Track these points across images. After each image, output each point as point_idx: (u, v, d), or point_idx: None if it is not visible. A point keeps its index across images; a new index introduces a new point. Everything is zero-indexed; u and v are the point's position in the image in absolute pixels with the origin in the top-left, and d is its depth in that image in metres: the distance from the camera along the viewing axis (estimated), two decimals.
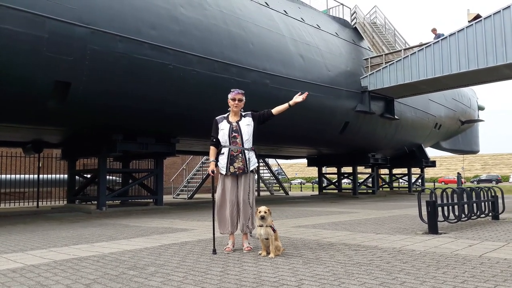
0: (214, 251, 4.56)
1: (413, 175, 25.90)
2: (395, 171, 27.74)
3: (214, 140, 4.88)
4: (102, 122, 11.06)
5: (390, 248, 4.70)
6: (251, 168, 4.77)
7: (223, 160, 4.77)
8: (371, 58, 18.26)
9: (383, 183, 27.28)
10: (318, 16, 18.57)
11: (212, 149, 4.90)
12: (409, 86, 16.42)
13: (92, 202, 13.72)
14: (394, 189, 27.08)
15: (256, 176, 5.01)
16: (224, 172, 4.75)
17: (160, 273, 3.64)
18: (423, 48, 15.36)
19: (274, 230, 4.34)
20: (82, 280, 3.45)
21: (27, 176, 16.63)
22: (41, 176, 16.22)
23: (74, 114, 10.15)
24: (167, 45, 10.77)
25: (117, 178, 18.11)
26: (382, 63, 17.38)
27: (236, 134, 4.77)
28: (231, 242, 4.77)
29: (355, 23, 20.47)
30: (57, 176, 17.65)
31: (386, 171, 28.82)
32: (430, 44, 15.14)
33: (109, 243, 5.60)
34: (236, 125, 4.81)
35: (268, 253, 4.31)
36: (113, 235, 6.56)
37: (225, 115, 4.96)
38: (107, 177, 16.05)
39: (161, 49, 10.63)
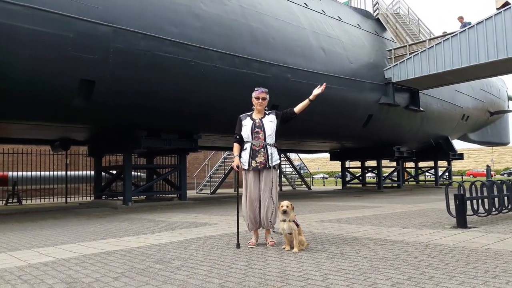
0: (238, 245, 4.59)
1: (440, 168, 25.34)
2: (421, 164, 27.20)
3: (238, 137, 4.90)
4: (126, 119, 11.24)
5: (417, 242, 4.61)
6: (273, 164, 4.77)
7: (245, 155, 4.80)
8: (394, 49, 17.90)
9: (409, 177, 26.80)
10: (340, 8, 18.30)
11: (236, 146, 4.92)
12: (435, 77, 16.01)
13: (118, 197, 14.00)
14: (420, 182, 26.56)
15: (278, 172, 5.00)
16: (246, 167, 4.77)
17: (186, 267, 3.68)
18: (448, 38, 14.93)
19: (297, 225, 4.33)
20: (110, 273, 3.52)
21: (55, 173, 17.10)
22: (69, 172, 16.65)
23: (98, 111, 10.35)
24: (188, 42, 10.83)
25: (142, 174, 18.41)
26: (406, 54, 17.01)
27: (259, 129, 4.80)
28: (255, 236, 4.79)
29: (378, 14, 20.08)
30: (84, 172, 18.09)
31: (411, 164, 28.28)
32: (456, 33, 14.70)
33: (135, 238, 5.71)
34: (259, 122, 4.84)
35: (291, 248, 4.30)
36: (139, 229, 6.68)
37: (249, 113, 5.00)
38: (132, 173, 16.35)
39: (182, 46, 10.70)
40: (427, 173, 26.78)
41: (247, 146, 4.81)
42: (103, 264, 3.91)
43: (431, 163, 25.33)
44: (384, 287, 2.82)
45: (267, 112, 4.96)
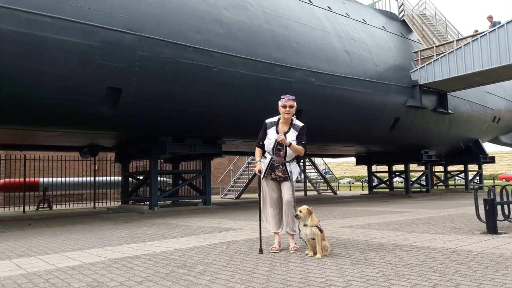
0: (261, 251, 4.58)
1: (470, 172, 24.58)
2: (450, 168, 26.45)
3: (260, 143, 4.85)
4: (151, 125, 11.43)
5: (444, 248, 4.48)
6: (293, 178, 4.74)
7: (264, 164, 4.78)
8: (421, 51, 17.54)
9: (438, 181, 26.12)
10: (364, 10, 18.12)
11: (258, 150, 4.90)
12: (463, 79, 15.60)
13: (145, 202, 14.23)
14: (449, 187, 25.85)
15: (295, 182, 4.93)
16: (262, 176, 4.76)
17: (208, 272, 3.70)
18: (477, 38, 14.53)
19: (320, 230, 4.28)
20: (134, 278, 3.58)
21: (84, 178, 17.56)
22: (97, 178, 17.06)
23: (125, 118, 10.58)
24: (212, 48, 10.95)
25: (168, 179, 18.67)
26: (433, 55, 16.64)
27: (280, 147, 4.69)
28: (277, 241, 4.77)
29: (403, 15, 19.76)
30: (112, 178, 18.50)
31: (440, 168, 27.57)
32: (486, 33, 14.30)
33: (160, 242, 5.78)
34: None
35: (315, 253, 4.25)
36: (164, 234, 6.76)
37: (276, 119, 4.82)
38: (159, 178, 16.61)
39: (205, 53, 10.83)
40: (457, 177, 26.04)
41: (268, 157, 4.78)
42: (128, 269, 3.98)
43: (461, 167, 24.60)
44: None
45: (293, 123, 4.78)
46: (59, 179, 17.24)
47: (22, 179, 15.99)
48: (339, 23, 15.38)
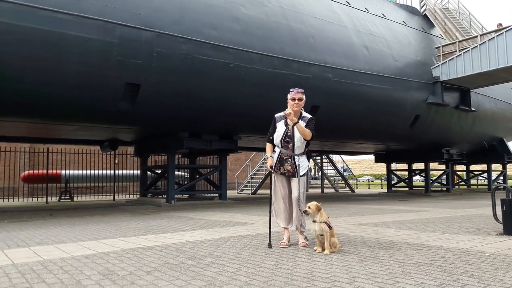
0: (270, 245, 4.60)
1: (494, 172, 23.97)
2: (473, 167, 25.85)
3: (271, 138, 4.89)
4: (169, 120, 11.58)
5: (456, 248, 4.41)
6: (301, 174, 4.72)
7: (274, 158, 4.80)
8: (443, 46, 17.15)
9: (459, 181, 25.57)
10: (384, 5, 17.84)
11: (268, 146, 4.93)
12: (487, 75, 15.17)
13: (163, 196, 14.44)
14: (471, 187, 25.30)
15: (305, 179, 4.91)
16: (271, 170, 4.78)
17: (216, 264, 3.75)
18: (502, 33, 14.10)
19: (330, 227, 4.27)
20: (144, 267, 3.66)
21: (105, 171, 17.94)
22: (117, 171, 17.39)
23: (143, 114, 10.74)
24: (228, 45, 10.99)
25: (186, 174, 18.90)
26: (456, 51, 16.25)
27: (289, 139, 4.72)
28: (286, 236, 4.79)
29: (425, 9, 19.37)
30: (132, 171, 18.83)
31: (463, 167, 26.99)
32: (511, 27, 13.87)
33: (173, 234, 5.88)
34: (291, 131, 4.71)
35: (323, 250, 4.25)
36: (178, 226, 6.86)
37: (285, 113, 4.86)
38: (176, 172, 16.83)
39: (222, 49, 10.88)
40: (480, 177, 25.44)
41: (276, 150, 4.82)
42: (139, 259, 4.06)
43: (484, 166, 24.03)
44: None
45: (302, 115, 4.82)
46: (80, 171, 17.68)
47: (45, 171, 16.45)
48: (357, 18, 15.20)
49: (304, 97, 4.80)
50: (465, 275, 3.19)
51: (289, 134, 4.72)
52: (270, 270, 3.49)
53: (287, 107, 4.83)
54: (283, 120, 4.81)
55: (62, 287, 3.01)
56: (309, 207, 4.34)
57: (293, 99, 4.73)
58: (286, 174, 4.76)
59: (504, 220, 5.46)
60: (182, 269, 3.56)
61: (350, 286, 2.94)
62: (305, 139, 4.70)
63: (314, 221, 4.32)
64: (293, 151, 4.72)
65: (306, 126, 4.71)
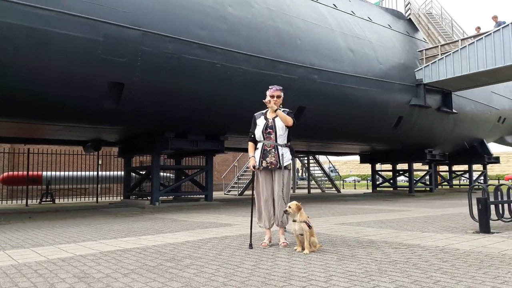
0: (251, 246, 4.61)
1: (475, 172, 24.39)
2: (455, 168, 26.28)
3: (252, 136, 4.94)
4: (154, 120, 11.50)
5: (432, 246, 4.48)
6: (284, 164, 4.76)
7: (257, 155, 4.83)
8: (426, 49, 17.43)
9: (442, 181, 25.96)
10: (370, 9, 18.04)
11: (251, 145, 4.96)
12: (468, 78, 15.47)
13: (147, 197, 14.34)
14: (454, 186, 25.69)
15: (291, 173, 4.97)
16: (257, 165, 4.79)
17: (195, 265, 3.74)
18: (482, 38, 14.41)
19: (309, 226, 4.30)
20: (121, 270, 3.63)
21: (88, 173, 17.71)
22: (100, 173, 17.19)
23: (127, 113, 10.65)
24: (215, 44, 10.98)
25: (171, 175, 18.78)
26: (438, 54, 16.53)
27: (270, 130, 4.80)
28: (268, 237, 4.80)
29: (410, 14, 19.65)
30: (115, 173, 18.63)
31: (445, 168, 27.42)
32: (490, 33, 14.18)
33: (154, 236, 5.84)
34: (272, 121, 4.82)
35: (303, 249, 4.28)
36: (160, 228, 6.82)
37: (264, 111, 4.99)
38: (162, 174, 16.72)
39: (209, 49, 10.86)
40: (463, 177, 25.85)
41: (259, 146, 4.85)
42: (117, 261, 4.03)
43: (465, 167, 24.44)
44: None
45: (281, 110, 4.91)
46: (62, 173, 17.42)
47: (25, 173, 16.17)
48: (344, 21, 15.33)
49: (282, 94, 4.95)
50: (438, 272, 3.24)
51: (270, 125, 4.81)
52: (249, 270, 3.49)
53: (266, 107, 4.97)
54: (263, 116, 4.93)
55: None
56: (289, 207, 4.36)
57: (272, 96, 4.86)
58: (269, 167, 4.76)
59: (480, 219, 5.57)
60: (160, 271, 3.54)
61: (325, 284, 2.96)
62: (287, 126, 4.79)
63: (294, 221, 4.35)
64: (276, 141, 4.76)
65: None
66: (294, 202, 4.41)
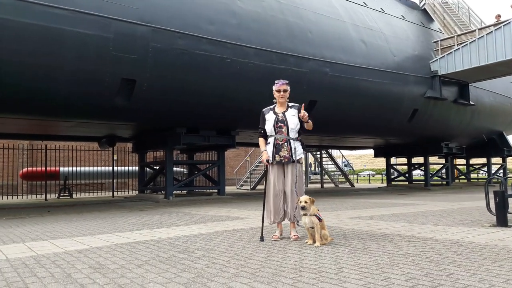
0: (262, 239, 4.62)
1: (494, 166, 23.93)
2: (472, 161, 25.83)
3: (262, 131, 4.92)
4: (166, 116, 11.57)
5: (447, 239, 4.42)
6: (297, 158, 4.74)
7: (269, 149, 4.82)
8: (441, 40, 17.09)
9: (459, 174, 25.56)
10: (383, 0, 17.77)
11: (261, 140, 4.96)
12: (486, 69, 15.14)
13: (161, 192, 14.48)
14: (471, 180, 25.27)
15: (304, 168, 4.96)
16: (270, 160, 4.78)
17: (207, 257, 3.77)
18: (500, 27, 14.05)
19: (320, 219, 4.29)
20: (135, 261, 3.68)
21: (104, 168, 17.97)
22: (115, 168, 17.41)
23: (139, 109, 10.74)
24: (225, 39, 10.97)
25: (184, 170, 18.92)
26: (454, 45, 16.20)
27: (281, 124, 4.77)
28: (279, 230, 4.80)
29: (424, 4, 19.30)
30: (131, 168, 18.85)
31: (462, 161, 26.98)
32: (509, 22, 13.82)
33: (168, 229, 5.90)
34: (282, 116, 4.80)
35: (314, 242, 4.27)
36: (173, 222, 6.89)
37: (272, 106, 4.96)
38: (175, 168, 16.86)
39: (219, 44, 10.86)
40: (480, 171, 25.41)
41: (271, 140, 4.83)
42: (131, 253, 4.09)
43: (484, 160, 23.99)
44: (397, 282, 2.75)
45: (290, 105, 4.90)
46: (79, 168, 17.71)
47: (43, 168, 16.48)
48: (356, 12, 15.15)
49: (289, 88, 4.92)
50: (452, 265, 3.20)
51: (280, 119, 4.78)
52: (260, 262, 3.50)
53: (273, 103, 4.97)
54: (271, 111, 4.89)
55: (53, 281, 3.03)
56: (305, 202, 4.33)
57: (279, 91, 4.83)
58: (283, 161, 4.74)
59: (497, 212, 5.47)
60: (172, 262, 3.58)
61: (336, 276, 2.95)
62: (307, 129, 4.81)
63: (304, 214, 4.34)
64: (288, 135, 4.74)
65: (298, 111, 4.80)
66: (307, 196, 4.39)
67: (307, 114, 4.69)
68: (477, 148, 22.47)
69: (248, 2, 11.79)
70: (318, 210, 4.40)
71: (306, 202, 4.31)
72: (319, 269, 3.19)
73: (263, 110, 5.00)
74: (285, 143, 4.74)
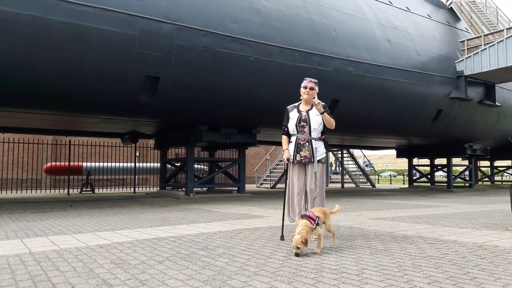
0: (282, 238, 4.62)
1: None
2: (497, 163, 25.18)
3: (286, 129, 4.91)
4: (188, 114, 11.68)
5: (470, 243, 4.33)
6: (318, 158, 4.71)
7: (291, 148, 4.81)
8: (468, 40, 16.71)
9: (483, 177, 24.94)
10: None
11: (284, 138, 4.95)
12: None
13: (182, 189, 14.63)
14: (495, 183, 24.63)
15: (325, 167, 4.90)
16: (291, 160, 4.77)
17: (227, 255, 3.79)
18: None
19: (314, 220, 3.90)
20: (156, 257, 3.73)
21: (126, 164, 18.27)
22: (137, 164, 17.68)
23: (163, 106, 10.87)
24: (248, 38, 10.99)
25: (205, 167, 19.07)
26: (481, 45, 15.81)
27: (304, 123, 4.74)
28: None
29: (451, 2, 18.88)
30: (152, 164, 19.12)
31: (487, 163, 26.32)
32: None
33: (188, 226, 5.96)
34: (306, 114, 4.77)
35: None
36: (194, 218, 6.95)
37: (297, 104, 4.95)
38: (197, 166, 17.01)
39: (242, 42, 10.89)
40: (506, 173, 24.76)
41: (293, 139, 4.82)
42: (152, 249, 4.14)
43: (509, 162, 23.35)
44: (419, 284, 2.71)
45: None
46: (102, 164, 18.05)
47: (67, 163, 16.87)
48: (381, 11, 14.95)
49: (316, 87, 4.85)
50: (476, 269, 3.13)
51: (303, 118, 4.75)
52: (280, 261, 3.51)
53: (299, 99, 4.93)
54: (296, 109, 4.87)
55: (75, 275, 3.09)
56: (297, 247, 3.68)
57: (305, 87, 4.79)
58: (303, 161, 4.73)
59: None
60: (193, 259, 3.62)
61: (357, 277, 2.93)
62: (329, 128, 4.77)
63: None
64: (310, 135, 4.73)
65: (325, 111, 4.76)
66: (300, 237, 3.71)
67: (320, 102, 4.63)
68: (502, 150, 21.90)
69: (272, 0, 11.77)
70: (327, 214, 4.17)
71: (299, 247, 3.69)
72: (340, 269, 3.18)
73: (287, 107, 4.97)
74: (307, 143, 4.73)
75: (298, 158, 4.73)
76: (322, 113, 4.68)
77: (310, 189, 4.71)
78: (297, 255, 3.72)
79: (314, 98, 4.73)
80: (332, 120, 4.76)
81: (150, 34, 9.62)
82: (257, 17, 11.32)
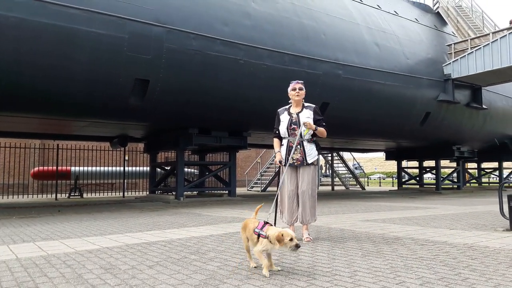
0: None
1: (505, 170, 23.60)
2: (484, 165, 25.53)
3: (277, 132, 4.91)
4: (178, 117, 11.62)
5: (460, 244, 4.36)
6: (309, 161, 4.72)
7: (282, 151, 4.81)
8: (455, 43, 16.94)
9: (471, 178, 25.26)
10: (396, 2, 17.67)
11: (276, 141, 4.95)
12: (499, 73, 14.96)
13: (172, 192, 14.54)
14: (483, 184, 24.95)
15: (317, 170, 4.92)
16: (284, 162, 4.76)
17: (219, 259, 3.76)
18: None
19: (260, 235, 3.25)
20: (146, 262, 3.68)
21: (115, 168, 18.09)
22: (127, 168, 17.52)
23: (152, 109, 10.80)
24: (239, 41, 10.99)
25: (195, 171, 18.97)
26: (468, 48, 16.04)
27: (295, 126, 4.74)
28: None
29: (438, 7, 19.14)
30: (141, 168, 18.96)
31: (474, 165, 26.66)
32: None
33: (179, 230, 5.90)
34: (296, 117, 4.77)
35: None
36: (184, 222, 6.89)
37: (287, 106, 4.95)
38: (186, 169, 16.91)
39: (232, 45, 10.88)
40: (491, 175, 25.12)
41: (284, 142, 4.82)
42: (142, 253, 4.09)
43: (495, 164, 23.70)
44: (412, 286, 2.71)
45: (305, 105, 4.86)
46: (90, 168, 17.85)
47: (55, 168, 16.64)
48: (369, 15, 15.09)
49: (304, 87, 4.87)
50: (467, 269, 3.15)
51: (294, 120, 4.76)
52: None
53: (289, 103, 4.94)
54: (286, 111, 4.87)
55: (63, 281, 3.02)
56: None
57: (294, 89, 4.79)
58: (295, 163, 4.73)
59: (510, 216, 5.39)
60: (184, 263, 3.58)
61: (350, 279, 2.93)
62: (320, 136, 4.77)
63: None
64: (301, 137, 4.72)
65: (317, 122, 4.75)
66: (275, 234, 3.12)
67: (309, 122, 4.62)
68: (489, 152, 22.23)
69: (262, 3, 11.79)
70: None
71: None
72: (333, 272, 3.17)
73: (278, 110, 4.98)
74: (298, 146, 4.73)
75: (290, 161, 4.73)
76: (315, 130, 4.66)
77: (302, 191, 4.70)
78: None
79: (303, 124, 4.65)
80: (324, 130, 4.75)
81: (139, 36, 9.55)
82: (248, 20, 11.33)
